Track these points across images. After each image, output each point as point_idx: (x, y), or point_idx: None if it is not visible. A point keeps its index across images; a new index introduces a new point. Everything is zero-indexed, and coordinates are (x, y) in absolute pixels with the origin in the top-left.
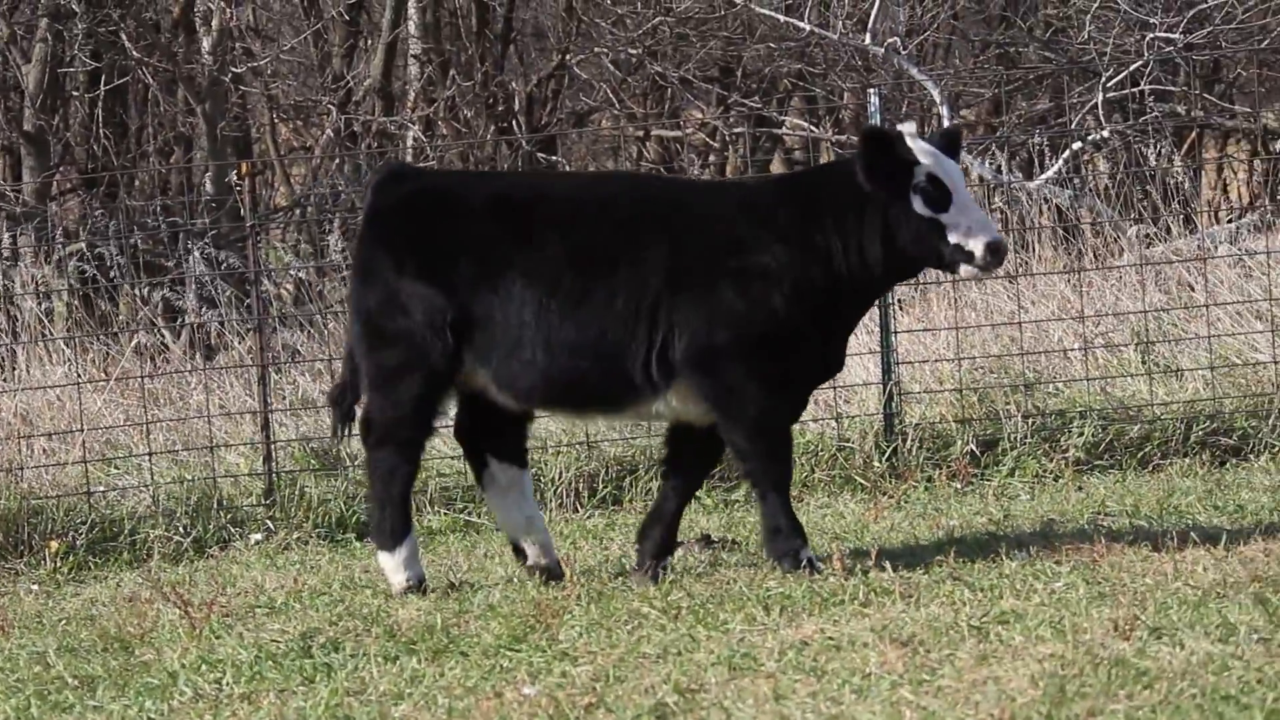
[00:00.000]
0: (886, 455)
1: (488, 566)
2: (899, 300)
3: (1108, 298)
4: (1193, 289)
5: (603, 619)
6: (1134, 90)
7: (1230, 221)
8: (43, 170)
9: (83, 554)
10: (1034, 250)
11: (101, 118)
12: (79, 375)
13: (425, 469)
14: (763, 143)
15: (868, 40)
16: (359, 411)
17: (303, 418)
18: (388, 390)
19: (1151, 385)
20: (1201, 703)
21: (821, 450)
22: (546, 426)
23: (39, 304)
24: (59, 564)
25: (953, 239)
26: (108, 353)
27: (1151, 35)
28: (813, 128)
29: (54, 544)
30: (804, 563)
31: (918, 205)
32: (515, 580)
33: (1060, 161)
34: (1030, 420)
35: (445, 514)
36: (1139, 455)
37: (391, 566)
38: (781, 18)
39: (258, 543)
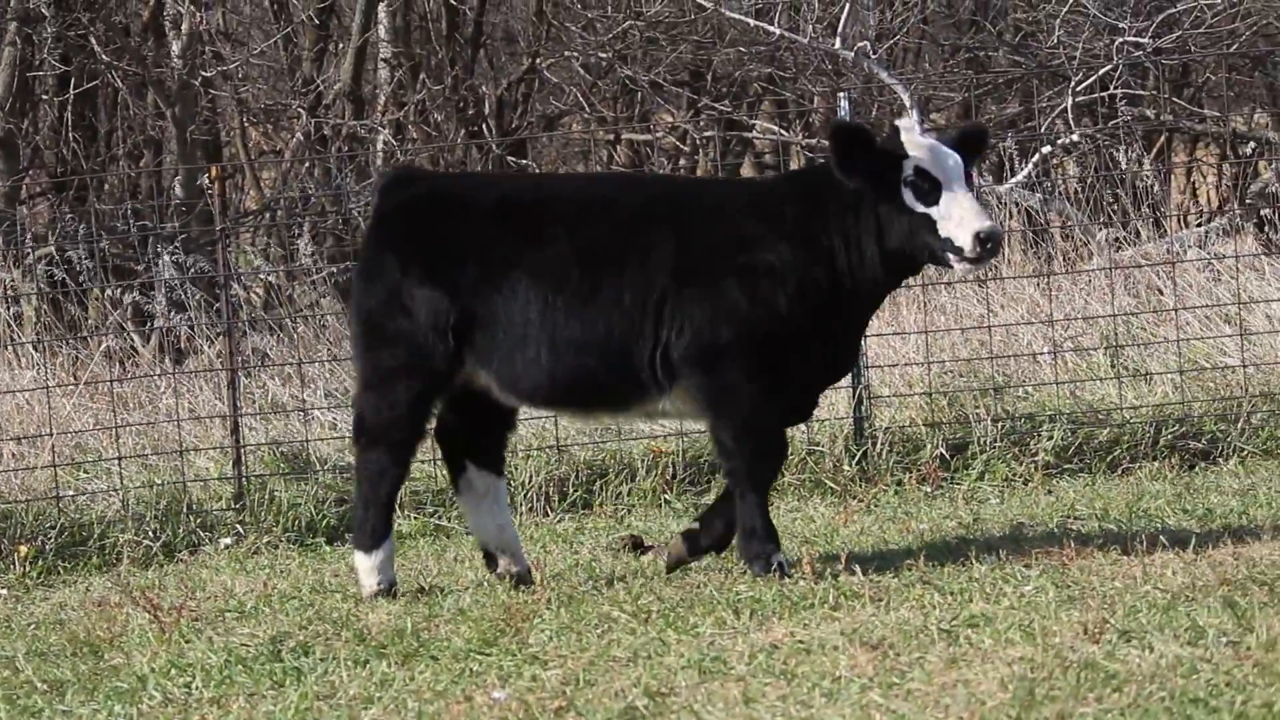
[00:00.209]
0: (856, 459)
1: (458, 570)
2: None
3: (1077, 301)
4: (1162, 293)
5: (573, 623)
6: (1103, 94)
7: (1199, 225)
8: (12, 174)
9: (52, 558)
10: (1003, 254)
11: (71, 121)
12: (48, 379)
13: None
14: (733, 146)
15: (838, 44)
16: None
17: (272, 422)
18: (384, 391)
19: (1120, 389)
20: (1170, 705)
21: (791, 454)
22: (516, 430)
23: (8, 308)
24: (28, 568)
25: (943, 232)
26: (77, 357)
27: (1121, 39)
28: (783, 131)
29: (23, 548)
30: (774, 567)
31: (908, 200)
32: (485, 584)
33: (1030, 165)
34: (1000, 424)
35: (415, 518)
36: (1108, 459)
37: (366, 568)
38: (751, 22)
39: (227, 547)
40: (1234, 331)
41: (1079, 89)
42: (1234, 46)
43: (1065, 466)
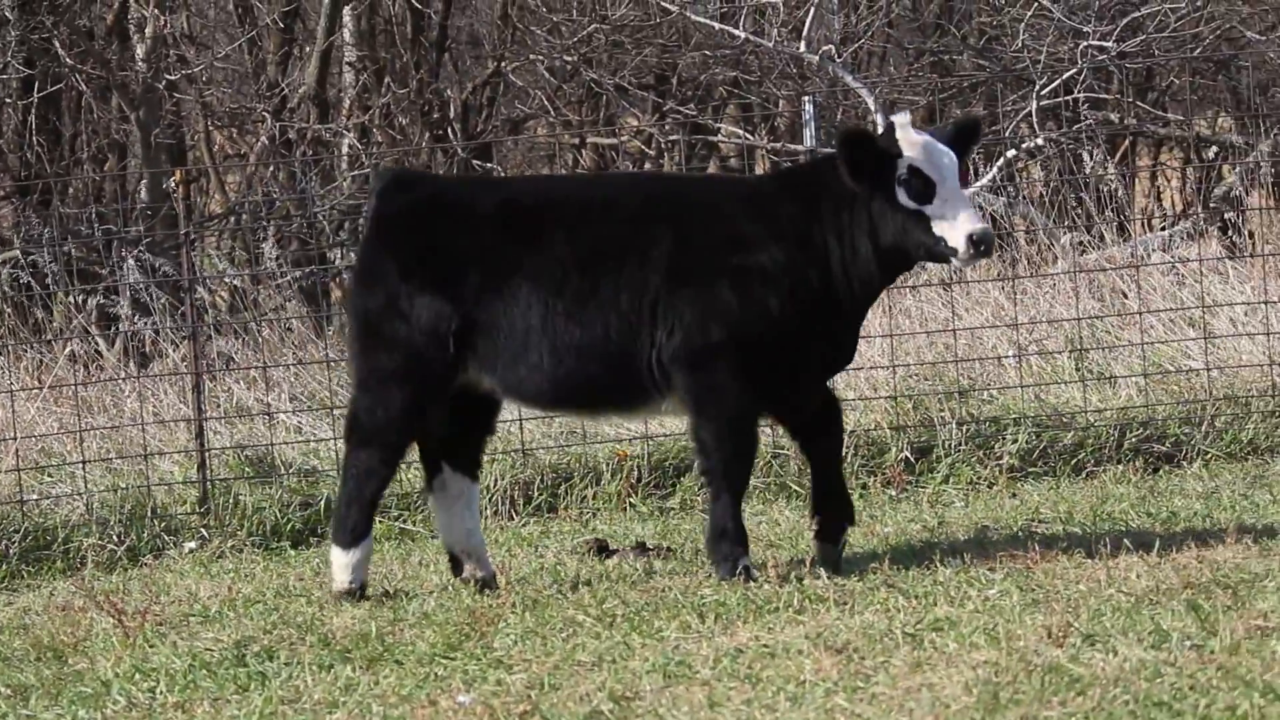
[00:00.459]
0: None
1: (422, 574)
2: None
3: (1042, 305)
4: (1126, 296)
5: (538, 627)
6: (1068, 98)
7: (1163, 229)
8: None
9: (15, 563)
10: None
11: (35, 125)
12: (12, 383)
13: None
14: (698, 150)
15: (802, 48)
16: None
17: (237, 425)
18: (378, 393)
19: (1085, 392)
20: (1134, 709)
21: (756, 457)
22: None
23: None
24: None
25: (937, 231)
26: (41, 360)
27: (1085, 44)
28: (748, 135)
29: None
30: (740, 570)
31: (902, 198)
32: (450, 588)
33: (994, 169)
34: (964, 427)
35: (380, 521)
36: (1072, 462)
37: (341, 565)
38: (717, 26)
39: (192, 551)
40: (1198, 335)
41: (1043, 93)
42: (1198, 51)
43: (1030, 470)
